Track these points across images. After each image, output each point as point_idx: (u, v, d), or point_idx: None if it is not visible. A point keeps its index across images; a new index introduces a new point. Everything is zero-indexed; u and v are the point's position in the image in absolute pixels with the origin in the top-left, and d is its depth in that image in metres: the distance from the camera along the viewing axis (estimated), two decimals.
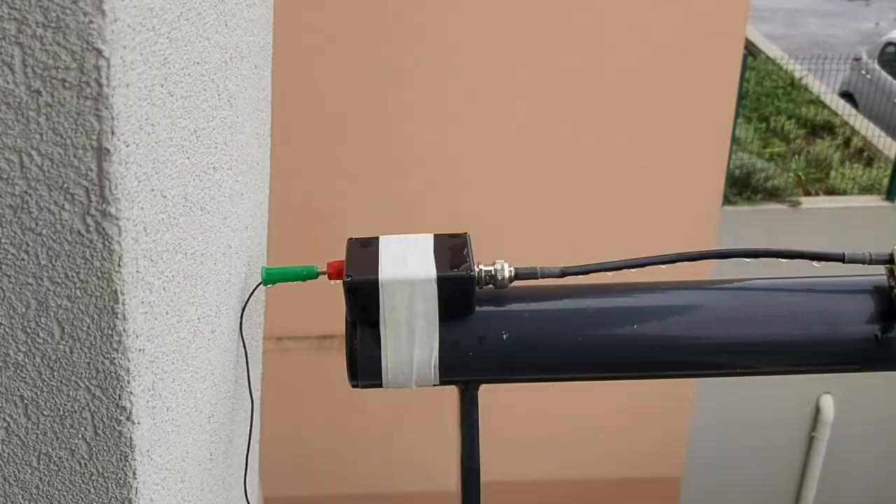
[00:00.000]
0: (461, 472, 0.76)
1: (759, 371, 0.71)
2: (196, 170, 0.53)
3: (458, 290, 0.68)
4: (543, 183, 3.59)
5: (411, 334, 0.69)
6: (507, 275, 0.70)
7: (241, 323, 0.73)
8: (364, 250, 0.71)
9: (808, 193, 5.47)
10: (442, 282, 0.67)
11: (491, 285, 0.70)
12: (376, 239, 0.72)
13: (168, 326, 0.51)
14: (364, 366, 0.70)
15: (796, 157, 5.85)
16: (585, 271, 0.71)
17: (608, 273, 0.73)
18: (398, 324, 0.68)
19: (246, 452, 0.76)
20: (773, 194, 5.11)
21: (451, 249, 0.70)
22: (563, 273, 0.71)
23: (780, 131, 6.10)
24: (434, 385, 0.72)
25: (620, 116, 3.55)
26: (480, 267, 0.70)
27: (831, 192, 5.59)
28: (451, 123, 3.44)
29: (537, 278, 0.71)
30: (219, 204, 0.60)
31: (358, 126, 3.41)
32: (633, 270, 0.72)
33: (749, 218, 4.85)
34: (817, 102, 6.69)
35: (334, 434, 4.05)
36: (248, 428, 0.77)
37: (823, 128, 6.40)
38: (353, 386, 0.73)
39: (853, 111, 6.66)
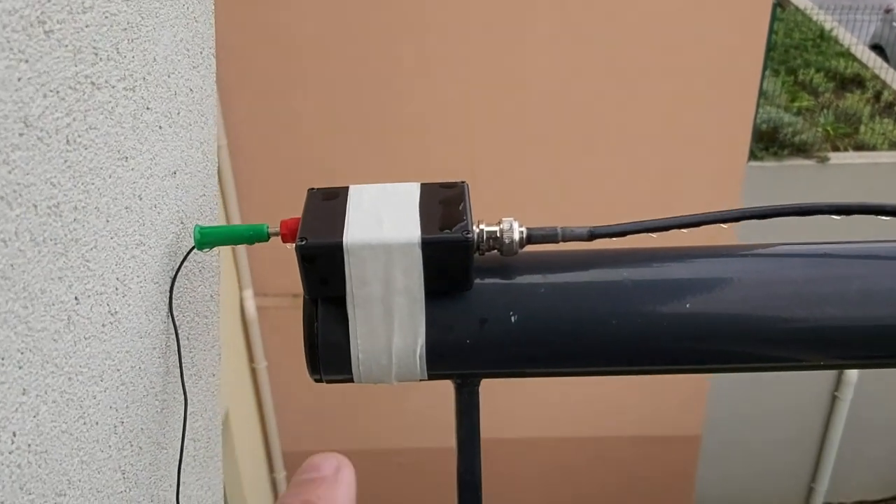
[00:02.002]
0: (458, 486, 0.60)
1: (857, 363, 0.54)
2: (50, 82, 0.36)
3: (452, 258, 0.50)
4: (561, 136, 3.40)
5: (389, 316, 0.52)
6: (516, 237, 0.52)
7: (170, 298, 0.56)
8: (327, 204, 0.53)
9: (836, 149, 5.28)
10: (429, 246, 0.50)
11: (496, 251, 0.53)
12: (345, 189, 0.54)
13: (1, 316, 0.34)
14: (328, 356, 0.53)
15: (825, 111, 5.64)
16: (621, 232, 0.53)
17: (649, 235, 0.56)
18: (371, 303, 0.51)
19: (178, 460, 0.60)
20: (801, 149, 4.93)
21: (443, 203, 0.53)
22: (593, 235, 0.53)
23: (809, 84, 5.86)
24: (422, 380, 0.55)
25: (645, 69, 3.35)
26: (482, 227, 0.52)
27: (860, 147, 5.40)
28: (466, 73, 3.24)
29: (557, 242, 0.53)
30: (110, 137, 0.43)
31: (369, 77, 3.23)
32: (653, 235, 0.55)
33: (775, 174, 4.66)
34: (847, 55, 6.44)
35: (351, 389, 3.98)
36: (182, 430, 0.60)
37: (853, 81, 6.17)
38: (316, 381, 0.56)
39: (884, 64, 6.41)
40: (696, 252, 0.55)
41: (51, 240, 0.37)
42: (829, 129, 5.33)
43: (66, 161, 0.38)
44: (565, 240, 0.53)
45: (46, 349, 0.38)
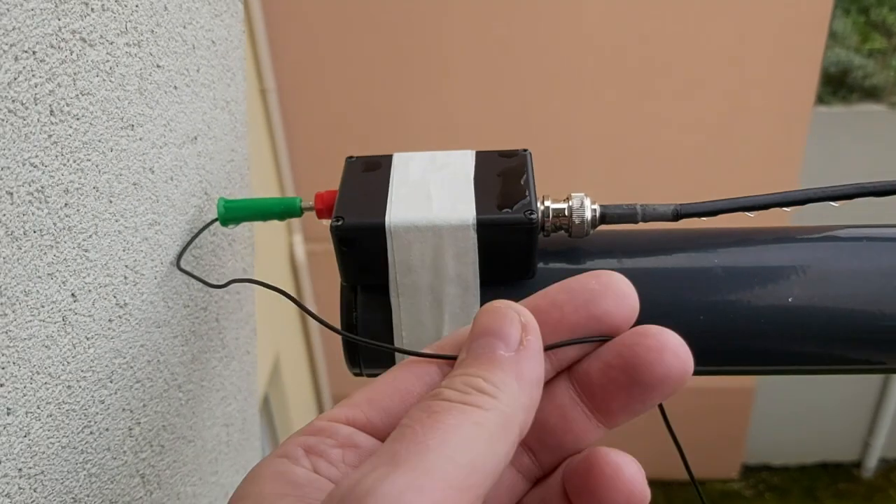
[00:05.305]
0: None
1: None
2: (22, 41, 0.29)
3: (512, 242, 0.43)
4: (619, 81, 3.26)
5: (438, 308, 0.45)
6: (588, 216, 0.45)
7: (179, 255, 0.50)
8: (368, 177, 0.46)
9: None
10: (486, 228, 0.42)
11: (563, 232, 0.45)
12: (388, 158, 0.47)
13: None
14: (369, 350, 0.47)
15: None
16: (712, 211, 0.45)
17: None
18: (418, 292, 0.44)
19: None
20: (871, 94, 4.69)
21: (502, 176, 0.45)
22: (678, 214, 0.45)
23: (882, 24, 5.54)
24: None
25: (708, 8, 3.18)
26: (547, 204, 0.45)
27: None
28: (512, 20, 3.11)
29: (636, 222, 0.46)
30: (109, 103, 0.36)
31: (405, 25, 3.11)
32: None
33: (843, 119, 4.44)
34: None
35: None
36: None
37: None
38: (356, 374, 0.50)
39: None
40: (799, 233, 0.46)
41: (34, 231, 0.31)
42: None
43: (50, 136, 0.31)
44: (646, 220, 0.45)
45: (36, 359, 0.33)
